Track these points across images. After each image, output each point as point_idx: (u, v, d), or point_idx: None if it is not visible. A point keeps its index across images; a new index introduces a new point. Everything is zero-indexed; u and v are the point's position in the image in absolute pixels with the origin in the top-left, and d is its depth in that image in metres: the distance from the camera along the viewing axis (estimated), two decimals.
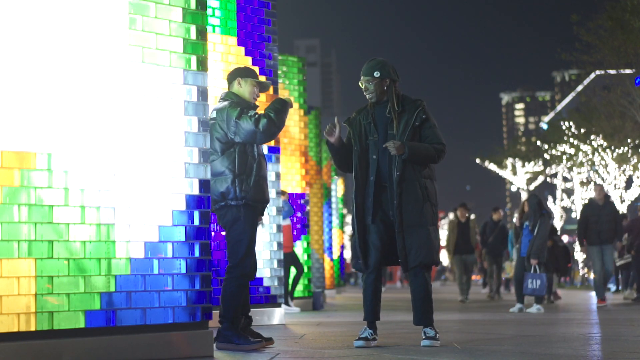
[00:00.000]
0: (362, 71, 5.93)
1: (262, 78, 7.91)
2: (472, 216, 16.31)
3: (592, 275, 27.86)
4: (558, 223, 40.57)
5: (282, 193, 10.78)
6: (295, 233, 11.96)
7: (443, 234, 71.22)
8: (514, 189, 49.55)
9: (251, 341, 5.51)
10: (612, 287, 22.13)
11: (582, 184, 36.99)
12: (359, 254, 5.76)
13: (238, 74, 5.90)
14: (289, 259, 11.33)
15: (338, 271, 21.69)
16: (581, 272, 33.61)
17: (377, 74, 5.84)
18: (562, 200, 42.44)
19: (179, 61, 5.01)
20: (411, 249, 5.66)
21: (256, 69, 8.49)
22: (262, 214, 5.94)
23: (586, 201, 37.17)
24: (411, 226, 5.67)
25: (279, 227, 8.66)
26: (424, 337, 5.66)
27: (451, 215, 16.59)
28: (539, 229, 11.42)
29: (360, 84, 5.96)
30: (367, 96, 5.92)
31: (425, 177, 5.79)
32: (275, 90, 8.69)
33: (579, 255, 33.74)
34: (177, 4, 5.01)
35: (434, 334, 5.65)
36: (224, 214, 5.62)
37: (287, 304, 11.18)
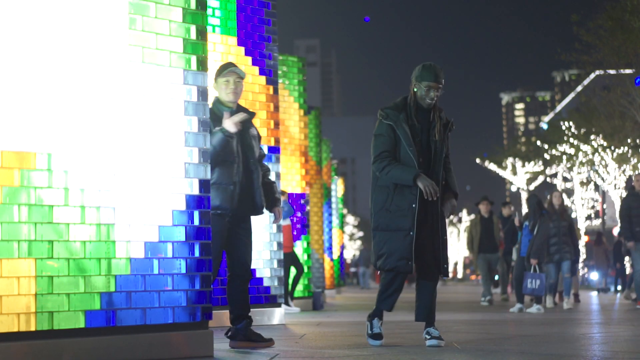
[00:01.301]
0: (430, 77, 5.68)
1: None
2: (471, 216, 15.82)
3: (589, 275, 27.89)
4: None
5: (282, 193, 10.78)
6: (295, 233, 11.97)
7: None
8: (514, 189, 49.56)
9: None
10: (612, 287, 22.13)
11: (582, 184, 36.98)
12: (411, 255, 5.62)
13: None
14: (289, 259, 11.34)
15: (338, 271, 21.70)
16: (581, 272, 33.60)
17: (443, 82, 5.79)
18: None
19: (179, 61, 5.01)
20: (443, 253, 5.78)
21: (256, 69, 8.51)
22: (246, 220, 5.84)
23: (586, 201, 37.17)
24: (445, 230, 5.83)
25: (279, 227, 8.66)
26: (429, 337, 5.65)
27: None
28: (538, 229, 11.40)
29: (426, 88, 5.70)
30: (427, 101, 5.71)
31: None
32: (276, 90, 8.70)
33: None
34: (177, 4, 5.01)
35: (438, 333, 5.66)
36: None
37: (287, 304, 11.18)
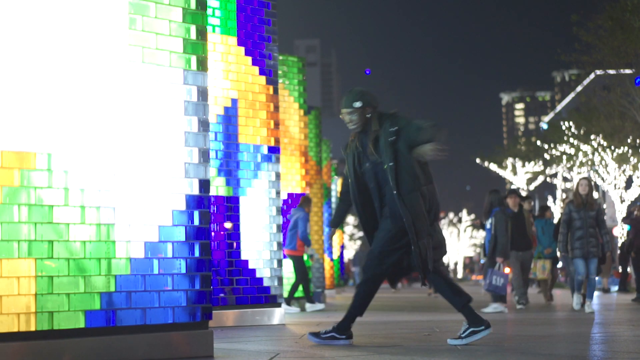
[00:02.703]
0: (341, 104, 5.92)
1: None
2: (469, 215, 14.39)
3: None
4: None
5: (306, 200, 11.04)
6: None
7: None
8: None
9: None
10: (613, 287, 22.12)
11: None
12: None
13: None
14: (300, 262, 11.53)
15: (338, 271, 21.70)
16: None
17: (357, 104, 5.86)
18: (562, 200, 42.37)
19: (179, 61, 5.01)
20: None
21: (256, 69, 8.51)
22: None
23: None
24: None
25: (278, 227, 8.66)
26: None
27: (451, 215, 14.48)
28: (495, 227, 11.25)
29: (341, 117, 5.95)
30: (350, 127, 5.92)
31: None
32: (276, 90, 8.70)
33: None
34: (177, 4, 5.01)
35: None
36: None
37: (288, 304, 11.29)
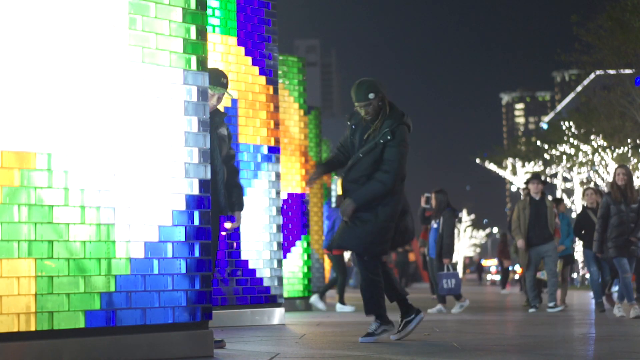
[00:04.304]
0: (354, 97, 6.04)
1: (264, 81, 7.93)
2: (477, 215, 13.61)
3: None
4: None
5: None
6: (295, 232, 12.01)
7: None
8: (514, 189, 49.61)
9: None
10: (615, 287, 22.09)
11: (582, 184, 37.02)
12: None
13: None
14: (341, 260, 11.98)
15: None
16: (581, 273, 33.61)
17: (371, 96, 6.00)
18: (583, 193, 42.37)
19: (179, 61, 5.01)
20: None
21: (256, 69, 8.52)
22: (227, 220, 6.32)
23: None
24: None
25: (278, 227, 8.67)
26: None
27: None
28: (443, 227, 11.23)
29: (358, 109, 6.08)
30: (367, 118, 6.07)
31: None
32: (276, 90, 8.71)
33: (579, 255, 33.77)
34: (177, 4, 5.01)
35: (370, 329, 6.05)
36: None
37: (342, 303, 11.89)
